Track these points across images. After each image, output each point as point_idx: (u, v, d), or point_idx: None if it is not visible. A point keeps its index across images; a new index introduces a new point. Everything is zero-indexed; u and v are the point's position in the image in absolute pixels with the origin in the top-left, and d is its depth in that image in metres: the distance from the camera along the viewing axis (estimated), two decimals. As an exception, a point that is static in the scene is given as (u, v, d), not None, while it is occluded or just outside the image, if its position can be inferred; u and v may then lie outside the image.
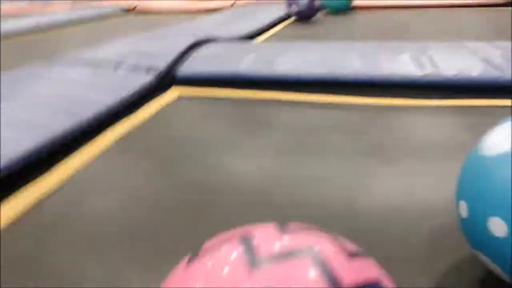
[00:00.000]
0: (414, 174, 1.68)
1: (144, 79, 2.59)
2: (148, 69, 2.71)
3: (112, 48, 3.08)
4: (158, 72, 2.70)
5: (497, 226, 0.89)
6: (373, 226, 1.37)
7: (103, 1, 8.68)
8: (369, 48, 3.00)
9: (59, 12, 7.34)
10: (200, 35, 3.49)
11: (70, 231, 1.40)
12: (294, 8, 5.49)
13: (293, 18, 5.64)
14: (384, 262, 0.63)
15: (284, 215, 1.36)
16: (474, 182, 0.96)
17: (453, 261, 1.19)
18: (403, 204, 1.49)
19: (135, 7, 7.80)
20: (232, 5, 7.30)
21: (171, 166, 1.86)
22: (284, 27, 5.32)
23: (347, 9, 6.25)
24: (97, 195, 1.62)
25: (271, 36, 4.67)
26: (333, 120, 2.30)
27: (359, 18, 5.83)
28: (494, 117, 2.12)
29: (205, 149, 2.00)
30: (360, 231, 1.31)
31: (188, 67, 2.85)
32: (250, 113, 2.44)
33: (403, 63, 2.66)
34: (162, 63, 2.78)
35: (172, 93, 2.69)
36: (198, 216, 1.46)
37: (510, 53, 2.69)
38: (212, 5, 7.38)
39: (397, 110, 2.35)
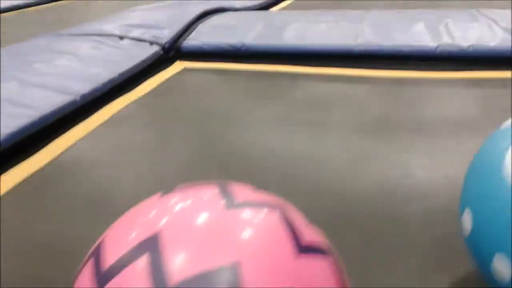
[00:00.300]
0: (417, 152, 1.60)
1: (148, 51, 2.54)
2: (153, 42, 2.66)
3: (118, 20, 3.02)
4: (162, 44, 2.64)
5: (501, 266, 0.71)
6: (363, 206, 1.31)
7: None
8: (383, 17, 2.85)
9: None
10: (213, 4, 3.39)
11: (52, 205, 1.40)
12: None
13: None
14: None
15: (274, 187, 1.34)
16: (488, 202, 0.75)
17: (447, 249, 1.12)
18: (399, 184, 1.42)
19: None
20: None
21: (170, 139, 1.82)
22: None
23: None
24: (87, 171, 1.60)
25: (289, 4, 4.51)
26: (340, 93, 2.21)
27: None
28: (509, 90, 2.02)
29: (206, 121, 1.97)
30: (349, 211, 1.28)
31: (194, 39, 2.77)
32: (254, 86, 2.38)
33: (417, 33, 2.52)
34: (167, 35, 2.71)
35: (177, 66, 2.63)
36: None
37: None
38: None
39: (408, 83, 2.23)
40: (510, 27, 2.44)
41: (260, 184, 1.40)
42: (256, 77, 2.47)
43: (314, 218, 1.18)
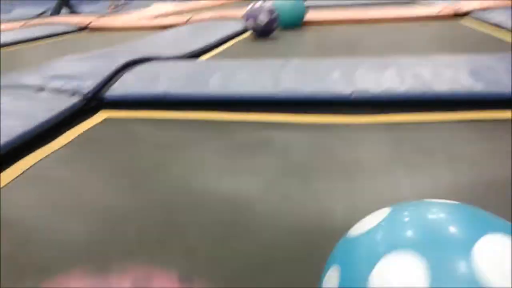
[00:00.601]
0: (337, 195, 1.65)
1: (67, 102, 2.49)
2: (74, 92, 2.62)
3: (40, 71, 2.97)
4: (83, 94, 2.61)
5: None
6: (283, 249, 1.34)
7: (57, 19, 8.52)
8: (303, 66, 2.98)
9: (10, 31, 7.16)
10: (140, 54, 3.41)
11: None
12: (251, 23, 5.45)
13: (250, 32, 5.60)
14: None
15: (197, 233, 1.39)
16: None
17: None
18: (320, 227, 1.45)
19: (89, 24, 7.67)
20: (187, 20, 7.24)
21: (87, 194, 1.77)
22: (237, 43, 5.28)
23: (300, 24, 6.26)
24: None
25: (219, 53, 4.62)
26: (264, 138, 2.25)
27: (311, 33, 5.85)
28: (419, 133, 2.15)
29: (128, 173, 1.94)
30: (268, 255, 1.29)
31: (118, 89, 2.77)
32: (178, 134, 2.38)
33: (333, 81, 2.64)
34: (89, 86, 2.69)
35: (100, 116, 2.60)
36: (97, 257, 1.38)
37: (442, 68, 2.70)
38: (166, 21, 7.31)
39: (326, 128, 2.32)
40: (416, 73, 2.61)
41: (182, 231, 1.43)
42: (180, 125, 2.48)
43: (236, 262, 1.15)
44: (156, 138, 2.35)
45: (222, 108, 2.60)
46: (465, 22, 5.73)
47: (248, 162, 2.00)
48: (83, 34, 7.29)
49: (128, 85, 2.80)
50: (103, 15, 9.30)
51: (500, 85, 2.41)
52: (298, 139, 2.22)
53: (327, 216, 1.51)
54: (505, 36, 4.42)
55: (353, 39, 5.04)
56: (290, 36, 5.60)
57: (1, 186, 1.83)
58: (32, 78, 2.83)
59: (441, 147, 2.01)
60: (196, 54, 4.24)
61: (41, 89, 2.64)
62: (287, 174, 1.85)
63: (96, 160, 2.12)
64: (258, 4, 5.48)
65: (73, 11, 10.36)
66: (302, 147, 2.14)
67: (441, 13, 6.25)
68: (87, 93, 2.63)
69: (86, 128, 2.44)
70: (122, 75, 2.94)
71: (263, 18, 5.37)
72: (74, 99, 2.54)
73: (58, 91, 2.62)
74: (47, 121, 2.27)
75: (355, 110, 2.46)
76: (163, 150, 2.18)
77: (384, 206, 0.93)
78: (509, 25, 4.62)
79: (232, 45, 5.13)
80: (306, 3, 6.38)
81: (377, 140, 2.14)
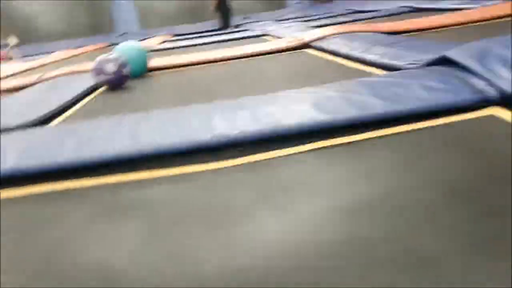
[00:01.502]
0: (200, 250, 1.63)
1: None
2: None
3: None
4: None
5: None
6: None
7: None
8: (159, 117, 2.98)
9: None
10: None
11: None
12: (102, 78, 5.33)
13: (103, 86, 5.46)
14: None
15: None
16: None
17: None
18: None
19: None
20: (37, 80, 6.82)
21: None
22: (92, 99, 5.09)
23: (145, 72, 6.24)
24: None
25: (75, 113, 4.41)
26: (124, 201, 2.17)
27: (161, 80, 5.86)
28: (277, 168, 2.24)
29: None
30: None
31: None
32: (31, 212, 2.19)
33: (193, 128, 2.67)
34: None
35: None
36: None
37: (289, 103, 2.88)
38: (13, 83, 6.79)
39: (188, 179, 2.31)
40: (267, 111, 2.76)
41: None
42: (35, 201, 2.30)
43: None
44: (7, 221, 2.14)
45: (79, 175, 2.47)
46: (312, 51, 6.19)
47: (114, 228, 1.91)
48: None
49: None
50: None
51: (339, 113, 2.64)
52: (163, 195, 2.19)
53: (201, 271, 1.50)
54: (345, 62, 4.88)
55: (205, 82, 5.17)
56: (142, 85, 5.57)
57: None
58: None
59: (298, 179, 2.12)
60: (47, 119, 4.01)
61: None
62: (155, 234, 1.81)
63: None
64: (103, 56, 5.42)
65: None
66: (167, 203, 2.10)
67: (289, 46, 6.67)
68: None
69: None
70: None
71: (110, 69, 5.29)
72: None
73: None
74: None
75: (217, 154, 2.50)
76: (18, 233, 2.00)
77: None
78: (345, 52, 5.12)
79: (87, 102, 4.94)
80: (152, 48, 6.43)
81: (240, 183, 2.19)
